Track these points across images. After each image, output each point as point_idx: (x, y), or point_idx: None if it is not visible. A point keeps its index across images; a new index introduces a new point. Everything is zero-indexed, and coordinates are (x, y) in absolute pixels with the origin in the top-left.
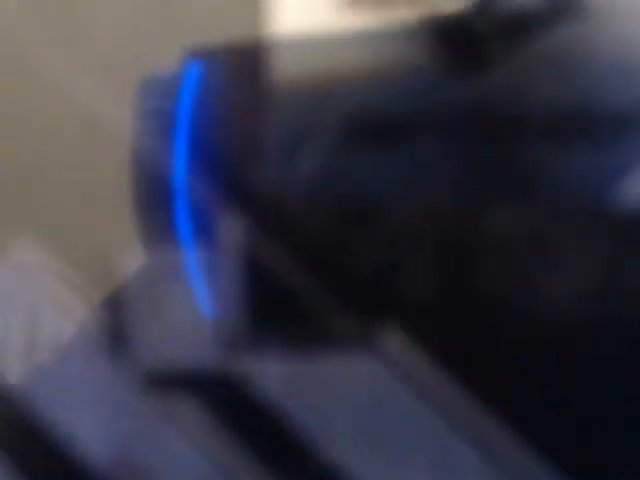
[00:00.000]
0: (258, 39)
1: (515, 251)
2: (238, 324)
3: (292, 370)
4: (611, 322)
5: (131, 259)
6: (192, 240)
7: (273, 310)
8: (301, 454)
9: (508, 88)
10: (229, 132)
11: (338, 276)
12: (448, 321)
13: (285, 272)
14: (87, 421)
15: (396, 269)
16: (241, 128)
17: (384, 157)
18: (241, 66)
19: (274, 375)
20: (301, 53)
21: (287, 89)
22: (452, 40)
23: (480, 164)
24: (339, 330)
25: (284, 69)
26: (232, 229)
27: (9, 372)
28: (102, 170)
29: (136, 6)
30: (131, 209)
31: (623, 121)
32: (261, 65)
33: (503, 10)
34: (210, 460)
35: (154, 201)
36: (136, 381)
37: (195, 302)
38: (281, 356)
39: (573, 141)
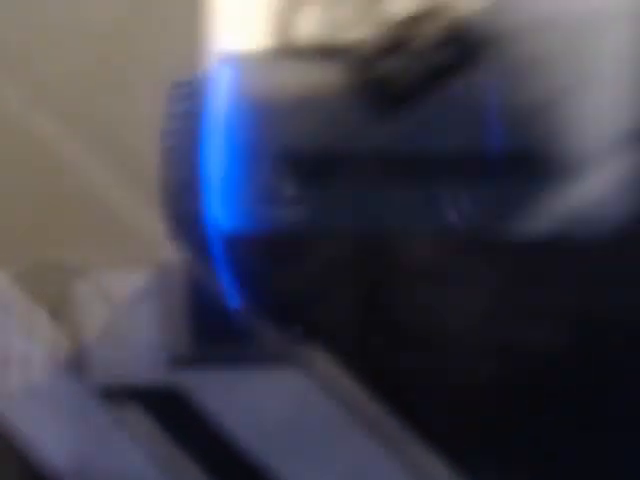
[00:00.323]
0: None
1: (419, 282)
2: (180, 344)
3: (227, 383)
4: (501, 342)
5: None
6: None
7: (211, 331)
8: (235, 458)
9: (417, 128)
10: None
11: (270, 303)
12: (362, 344)
13: (222, 298)
14: (49, 428)
15: (319, 298)
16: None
17: (306, 188)
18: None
19: (212, 388)
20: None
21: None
22: (368, 83)
23: (393, 198)
24: (269, 350)
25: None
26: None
27: None
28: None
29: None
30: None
31: (516, 163)
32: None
33: (416, 60)
34: (156, 462)
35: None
36: (92, 394)
37: (144, 324)
38: (218, 371)
39: (472, 179)
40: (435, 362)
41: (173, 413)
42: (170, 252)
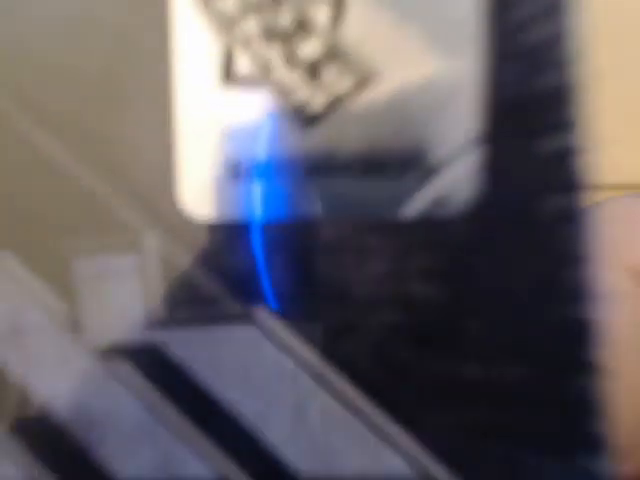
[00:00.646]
0: None
1: (339, 254)
2: (157, 309)
3: (195, 340)
4: (401, 297)
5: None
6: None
7: (183, 298)
8: (204, 398)
9: (329, 139)
10: None
11: (226, 275)
12: (304, 303)
13: (191, 270)
14: (53, 383)
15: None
16: None
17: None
18: None
19: (184, 343)
20: None
21: None
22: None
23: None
24: (229, 312)
25: None
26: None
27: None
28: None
29: None
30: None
31: (404, 162)
32: None
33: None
34: (145, 407)
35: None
36: (89, 352)
37: (127, 295)
38: (188, 330)
39: (373, 178)
40: (352, 315)
41: (153, 365)
42: (148, 238)
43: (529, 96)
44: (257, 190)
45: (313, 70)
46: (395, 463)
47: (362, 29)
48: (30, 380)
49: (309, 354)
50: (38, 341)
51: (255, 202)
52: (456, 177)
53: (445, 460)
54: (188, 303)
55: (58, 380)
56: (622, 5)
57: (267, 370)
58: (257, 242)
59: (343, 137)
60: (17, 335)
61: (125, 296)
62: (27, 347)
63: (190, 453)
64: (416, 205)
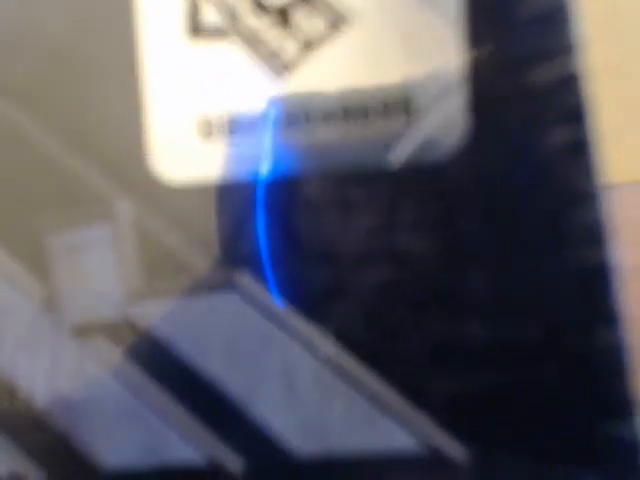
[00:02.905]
0: None
1: (323, 211)
2: (134, 282)
3: (176, 310)
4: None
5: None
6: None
7: (161, 267)
8: (189, 375)
9: (305, 87)
10: None
11: (205, 240)
12: (288, 265)
13: (168, 237)
14: (30, 367)
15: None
16: None
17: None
18: None
19: (164, 316)
20: None
21: None
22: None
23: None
24: (208, 280)
25: None
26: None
27: None
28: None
29: None
30: None
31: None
32: None
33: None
34: (127, 387)
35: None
36: (65, 331)
37: (104, 269)
38: (169, 301)
39: (355, 124)
40: (341, 276)
41: (133, 341)
42: (120, 206)
43: (512, 31)
44: (232, 148)
45: (283, 16)
46: (395, 434)
47: None
48: (7, 366)
49: (297, 320)
50: (13, 322)
51: (230, 161)
52: (442, 119)
53: (452, 430)
54: (166, 272)
55: (36, 364)
56: (622, 4)
57: (253, 340)
58: (235, 203)
59: (320, 84)
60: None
61: (100, 269)
62: (3, 330)
63: (178, 435)
64: (402, 152)
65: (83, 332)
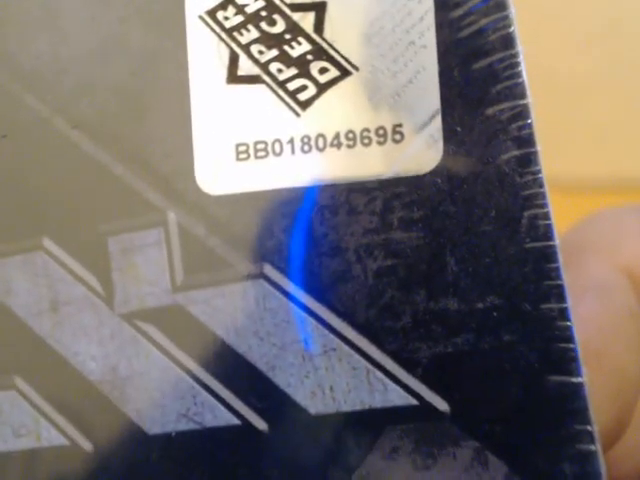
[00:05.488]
0: None
1: (335, 212)
2: (181, 274)
3: (213, 296)
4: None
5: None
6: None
7: (200, 266)
8: (222, 350)
9: (318, 120)
10: None
11: (237, 239)
12: (301, 258)
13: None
14: (88, 347)
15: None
16: None
17: None
18: None
19: (203, 300)
20: None
21: None
22: None
23: (309, 167)
24: (241, 271)
25: None
26: None
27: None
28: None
29: None
30: None
31: (382, 134)
32: None
33: None
34: (167, 358)
35: None
36: (118, 319)
37: (151, 265)
38: (207, 290)
39: (357, 149)
40: (347, 265)
41: (176, 324)
42: (170, 218)
43: (475, 76)
44: (261, 168)
45: (303, 66)
46: (390, 391)
47: (341, 31)
48: (68, 346)
49: (312, 301)
50: (76, 310)
51: (260, 178)
52: (424, 142)
53: (437, 386)
54: (206, 268)
55: (92, 345)
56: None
57: (277, 319)
58: (264, 211)
59: (331, 119)
60: (57, 307)
61: (150, 267)
62: (67, 316)
63: (213, 401)
64: (394, 167)
65: (134, 317)
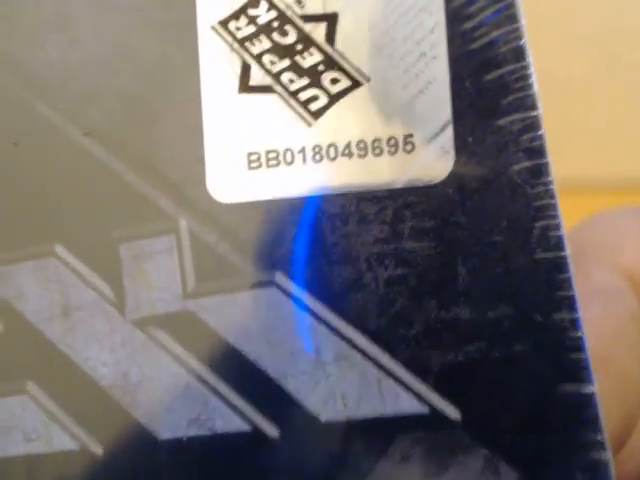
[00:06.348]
0: None
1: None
2: (192, 281)
3: (224, 303)
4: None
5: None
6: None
7: (211, 273)
8: (233, 356)
9: (330, 129)
10: None
11: (248, 247)
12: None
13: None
14: (99, 352)
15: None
16: None
17: None
18: None
19: (212, 311)
20: None
21: None
22: None
23: (320, 176)
24: (253, 278)
25: None
26: None
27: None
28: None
29: None
30: None
31: (393, 144)
32: None
33: None
34: (181, 368)
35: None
36: (128, 325)
37: (162, 271)
38: (218, 296)
39: (369, 159)
40: (359, 274)
41: (187, 330)
42: (182, 225)
43: (486, 87)
44: (272, 176)
45: (315, 77)
46: (401, 399)
47: (353, 42)
48: (79, 351)
49: (323, 309)
50: (87, 316)
51: (271, 186)
52: (435, 152)
53: (448, 395)
54: (217, 275)
55: (104, 351)
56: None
57: (288, 326)
58: (274, 219)
59: (342, 129)
60: (69, 313)
61: (162, 273)
62: (78, 322)
63: (224, 407)
64: (405, 176)
65: (145, 323)
